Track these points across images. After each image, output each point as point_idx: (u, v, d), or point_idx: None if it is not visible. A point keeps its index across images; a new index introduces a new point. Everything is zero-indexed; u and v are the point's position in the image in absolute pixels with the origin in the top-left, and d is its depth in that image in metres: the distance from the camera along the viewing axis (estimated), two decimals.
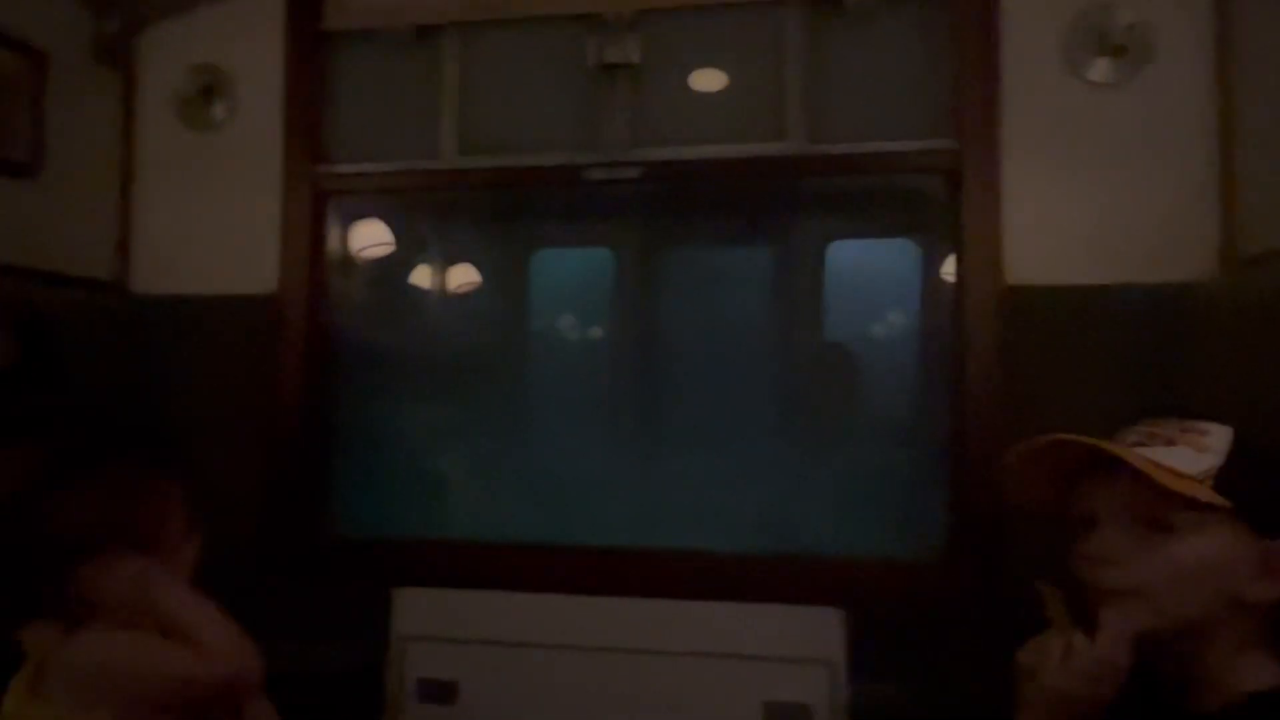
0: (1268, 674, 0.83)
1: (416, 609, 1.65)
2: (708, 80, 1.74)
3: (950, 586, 1.57)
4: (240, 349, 1.77)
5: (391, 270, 1.98)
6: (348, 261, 1.91)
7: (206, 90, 1.79)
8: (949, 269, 1.64)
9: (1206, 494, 0.82)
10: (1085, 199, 1.53)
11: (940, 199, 1.65)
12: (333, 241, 1.86)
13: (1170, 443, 0.88)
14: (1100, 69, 1.53)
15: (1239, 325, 1.34)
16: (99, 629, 0.95)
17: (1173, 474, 0.83)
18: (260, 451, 1.75)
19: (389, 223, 1.97)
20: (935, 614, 1.54)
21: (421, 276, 2.01)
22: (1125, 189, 1.52)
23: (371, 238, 1.97)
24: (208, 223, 1.80)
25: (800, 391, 1.85)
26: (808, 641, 1.53)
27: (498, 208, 1.95)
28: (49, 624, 0.96)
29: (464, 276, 2.01)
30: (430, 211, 1.97)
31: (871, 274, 1.83)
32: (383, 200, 1.94)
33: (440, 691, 1.64)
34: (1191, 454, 0.86)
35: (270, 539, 1.74)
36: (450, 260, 1.98)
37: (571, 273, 2.03)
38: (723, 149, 1.70)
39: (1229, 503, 0.82)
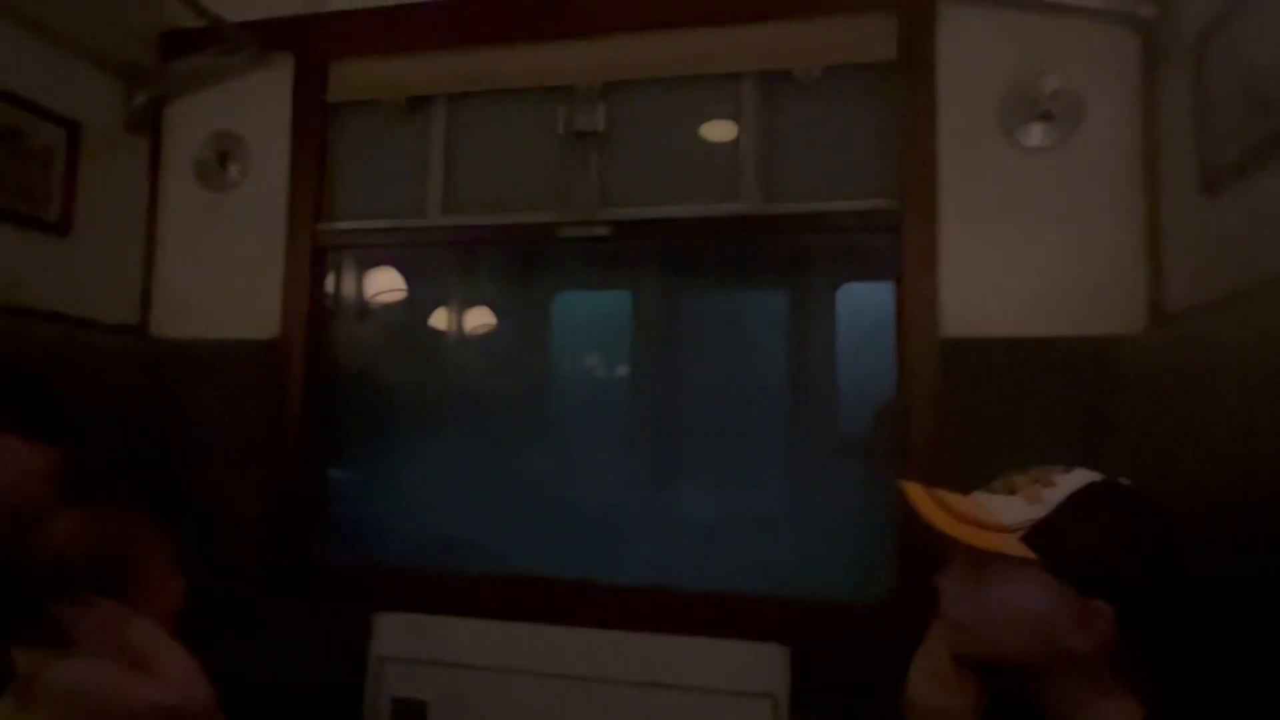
0: (1123, 718, 0.87)
1: (393, 632, 1.77)
2: (669, 145, 1.87)
3: (895, 627, 1.62)
4: (246, 389, 1.93)
5: (387, 315, 2.14)
6: (349, 308, 2.07)
7: (223, 155, 1.99)
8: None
9: (1011, 546, 0.87)
10: (1020, 256, 1.61)
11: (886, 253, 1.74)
12: (338, 289, 2.04)
13: (1012, 492, 0.93)
14: (1032, 133, 1.62)
15: (1165, 377, 1.40)
16: (79, 654, 1.08)
17: (975, 528, 0.89)
18: (263, 482, 1.90)
19: (391, 272, 2.13)
20: (880, 654, 1.59)
21: (413, 321, 2.16)
22: (1058, 246, 1.59)
23: (374, 286, 2.13)
24: (220, 273, 1.97)
25: (755, 434, 1.93)
26: (753, 676, 1.61)
27: (483, 260, 2.09)
28: (37, 645, 1.09)
29: (452, 320, 2.15)
30: (424, 263, 2.12)
31: (828, 322, 1.91)
32: (385, 252, 2.10)
33: (411, 712, 1.75)
34: (1021, 505, 0.90)
35: (268, 564, 1.88)
36: (438, 305, 2.13)
37: (550, 318, 2.17)
38: (683, 208, 1.82)
39: (1032, 555, 0.87)
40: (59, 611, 1.08)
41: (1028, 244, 1.61)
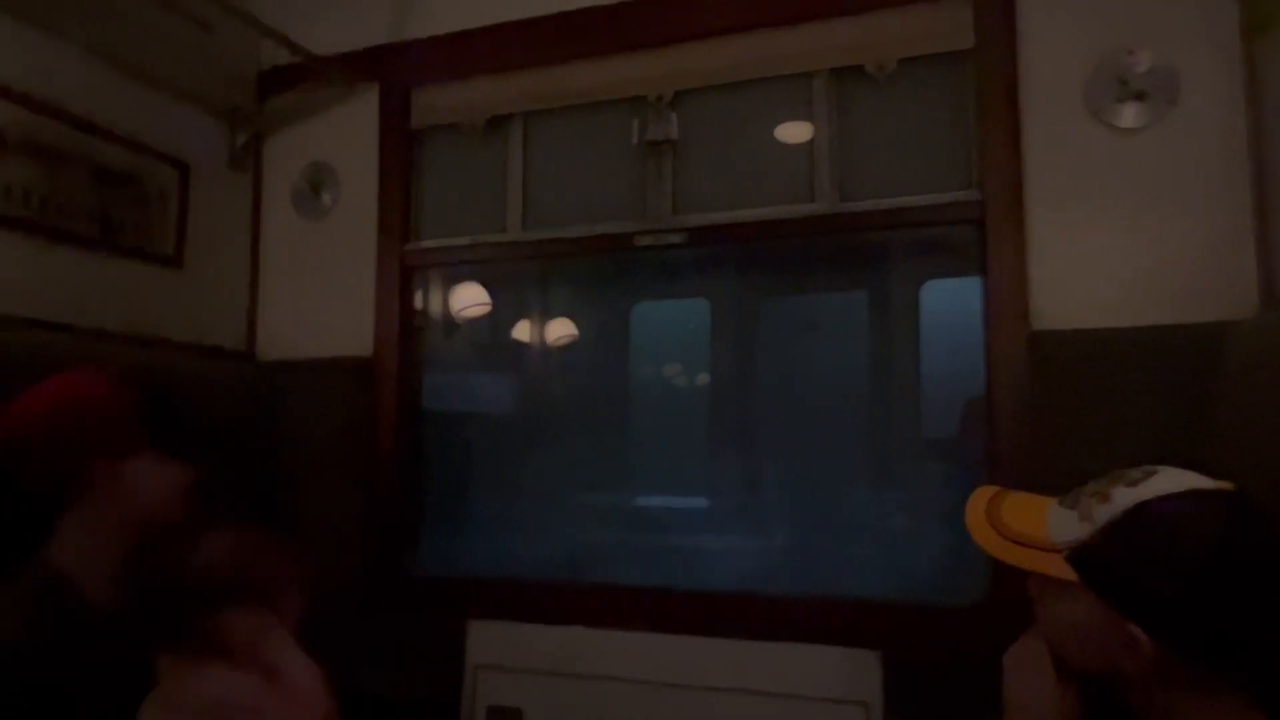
0: None
1: (488, 640, 1.82)
2: (743, 149, 1.87)
3: (991, 631, 1.57)
4: (343, 406, 2.02)
5: (473, 330, 2.21)
6: (436, 324, 2.15)
7: (316, 184, 2.10)
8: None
9: (1054, 567, 0.85)
10: (1114, 242, 1.53)
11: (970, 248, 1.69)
12: (426, 306, 2.11)
13: (1074, 505, 0.90)
14: (1125, 114, 1.54)
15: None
16: (218, 665, 1.17)
17: (1022, 548, 0.88)
18: (360, 495, 1.99)
19: (476, 288, 2.20)
20: (975, 658, 1.54)
21: (497, 334, 2.23)
22: (1156, 231, 1.51)
23: (460, 302, 2.21)
24: (317, 296, 2.08)
25: (840, 437, 1.90)
26: (845, 682, 1.58)
27: (563, 272, 2.14)
28: (182, 654, 1.19)
29: (534, 332, 2.21)
30: (506, 277, 2.18)
31: (911, 320, 1.87)
32: (469, 268, 2.17)
33: (507, 718, 1.80)
34: (1074, 521, 0.87)
35: (365, 575, 1.96)
36: (521, 317, 2.19)
37: (630, 331, 2.20)
38: (759, 211, 1.81)
39: (1073, 577, 0.84)
40: (206, 622, 1.17)
41: (1122, 230, 1.53)
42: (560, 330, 2.17)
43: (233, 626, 1.19)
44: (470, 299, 2.20)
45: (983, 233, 1.62)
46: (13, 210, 1.58)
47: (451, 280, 2.16)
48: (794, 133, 1.84)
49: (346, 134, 2.08)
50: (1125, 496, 0.85)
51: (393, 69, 2.04)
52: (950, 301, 1.93)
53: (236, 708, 1.15)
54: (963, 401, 1.79)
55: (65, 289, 1.67)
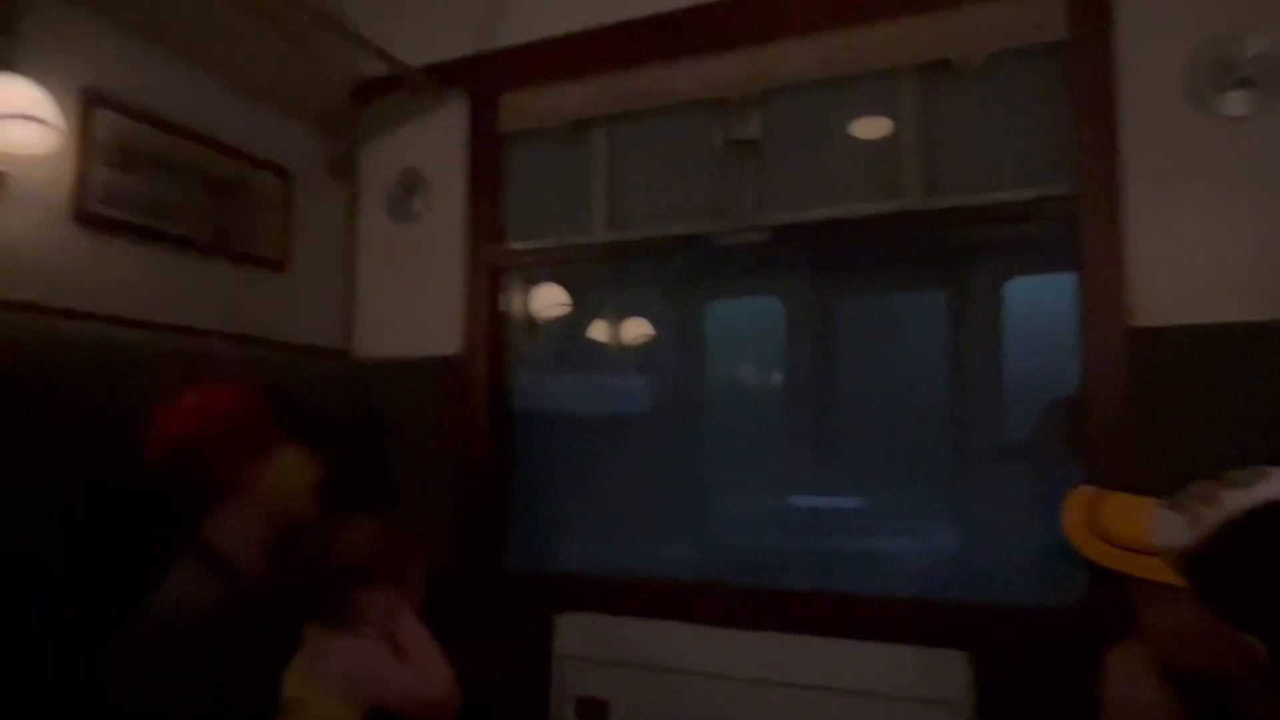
0: None
1: (576, 633, 1.86)
2: (826, 147, 1.87)
3: (1086, 632, 1.54)
4: (434, 402, 2.10)
5: (556, 329, 2.26)
6: (522, 323, 2.21)
7: (409, 189, 2.18)
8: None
9: (1156, 572, 0.84)
10: (1218, 236, 1.48)
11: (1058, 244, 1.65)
12: (512, 306, 2.17)
13: (1180, 508, 0.87)
14: (1231, 102, 1.49)
15: None
16: (357, 638, 1.27)
17: (1122, 551, 0.86)
18: (453, 489, 2.05)
19: (558, 288, 2.25)
20: (1069, 660, 1.51)
21: (579, 333, 2.27)
22: (1263, 223, 1.46)
23: (544, 302, 2.26)
24: (409, 297, 2.16)
25: (926, 435, 1.88)
26: (931, 682, 1.57)
27: (644, 273, 2.17)
28: (326, 626, 1.30)
29: (614, 331, 2.25)
30: (589, 277, 2.22)
31: (995, 317, 1.84)
32: (553, 269, 2.22)
33: (594, 710, 1.84)
34: (1180, 525, 0.85)
35: (459, 568, 2.02)
36: (601, 317, 2.22)
37: (720, 327, 2.21)
38: (842, 209, 1.81)
39: (1178, 583, 0.82)
40: (349, 600, 1.28)
41: (1226, 222, 1.48)
42: (640, 329, 2.20)
43: (368, 604, 1.30)
44: (553, 299, 2.25)
45: (1077, 227, 1.58)
46: (135, 219, 1.69)
47: (536, 281, 2.22)
48: (879, 129, 1.83)
49: (437, 140, 2.15)
50: (1235, 499, 0.82)
51: (481, 77, 2.10)
52: (1034, 299, 1.90)
53: (373, 676, 1.26)
54: (1047, 400, 1.75)
55: (181, 291, 1.78)
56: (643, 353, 2.25)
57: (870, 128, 1.84)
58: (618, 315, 2.22)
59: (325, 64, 2.14)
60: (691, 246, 1.95)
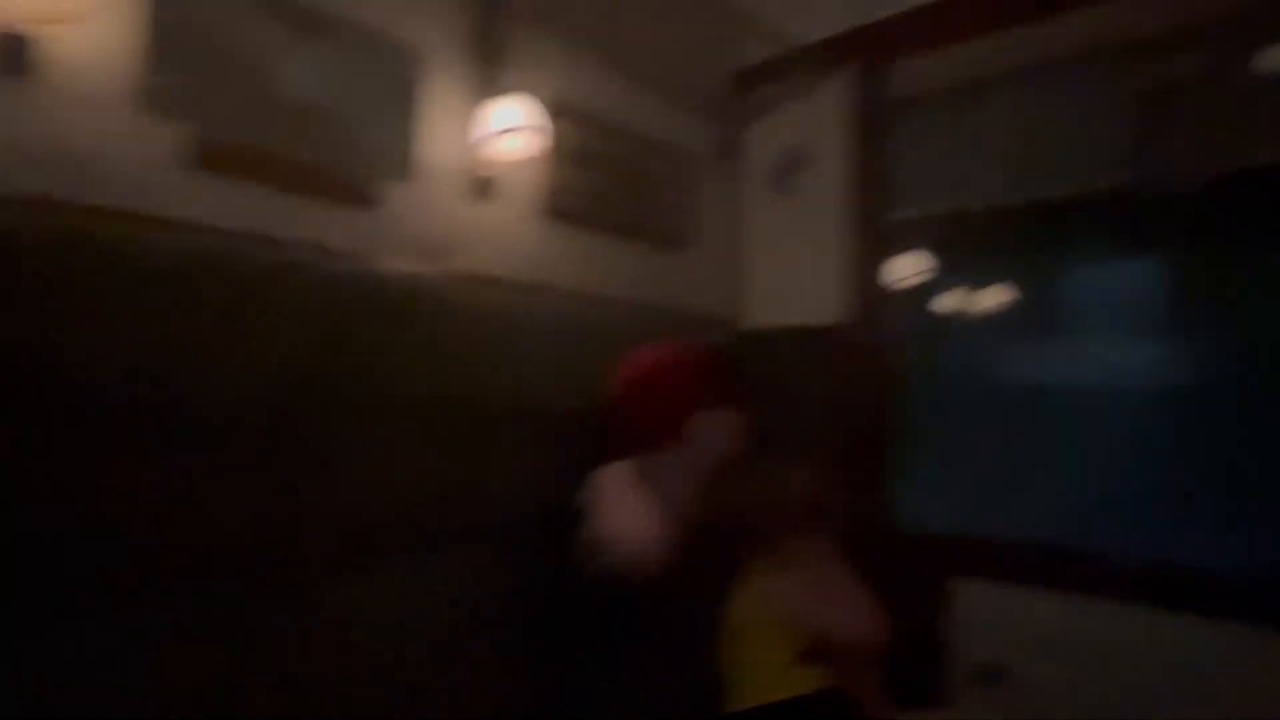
0: None
1: (975, 600, 1.87)
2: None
3: None
4: (823, 367, 2.18)
5: (940, 296, 2.25)
6: (908, 291, 2.22)
7: (794, 164, 2.28)
8: None
9: None
10: None
11: None
12: (900, 275, 2.19)
13: None
14: None
15: None
16: (793, 575, 1.43)
17: None
18: (841, 451, 2.12)
19: (946, 254, 2.22)
20: None
21: (964, 301, 2.23)
22: None
23: (927, 269, 2.25)
24: (797, 269, 2.26)
25: None
26: None
27: (1033, 238, 2.07)
28: (769, 564, 1.47)
29: (1003, 297, 2.17)
30: (978, 243, 2.17)
31: None
32: (942, 236, 2.20)
33: (991, 677, 1.83)
34: None
35: (850, 531, 2.09)
36: (988, 284, 2.16)
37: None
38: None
39: None
40: (780, 540, 1.45)
41: None
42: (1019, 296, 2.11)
43: (801, 546, 1.44)
44: (937, 266, 2.23)
45: None
46: (581, 209, 1.97)
47: (924, 249, 2.21)
48: None
49: (820, 114, 2.22)
50: None
51: (867, 46, 2.12)
52: None
53: (810, 609, 1.40)
54: None
55: (600, 268, 2.03)
56: (1032, 319, 2.15)
57: None
58: (1006, 281, 2.14)
59: (715, 51, 2.30)
60: (1105, 204, 1.83)
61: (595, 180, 2.02)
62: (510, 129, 1.69)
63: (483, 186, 1.75)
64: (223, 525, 1.29)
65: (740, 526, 1.51)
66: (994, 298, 2.19)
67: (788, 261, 2.29)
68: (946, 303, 2.25)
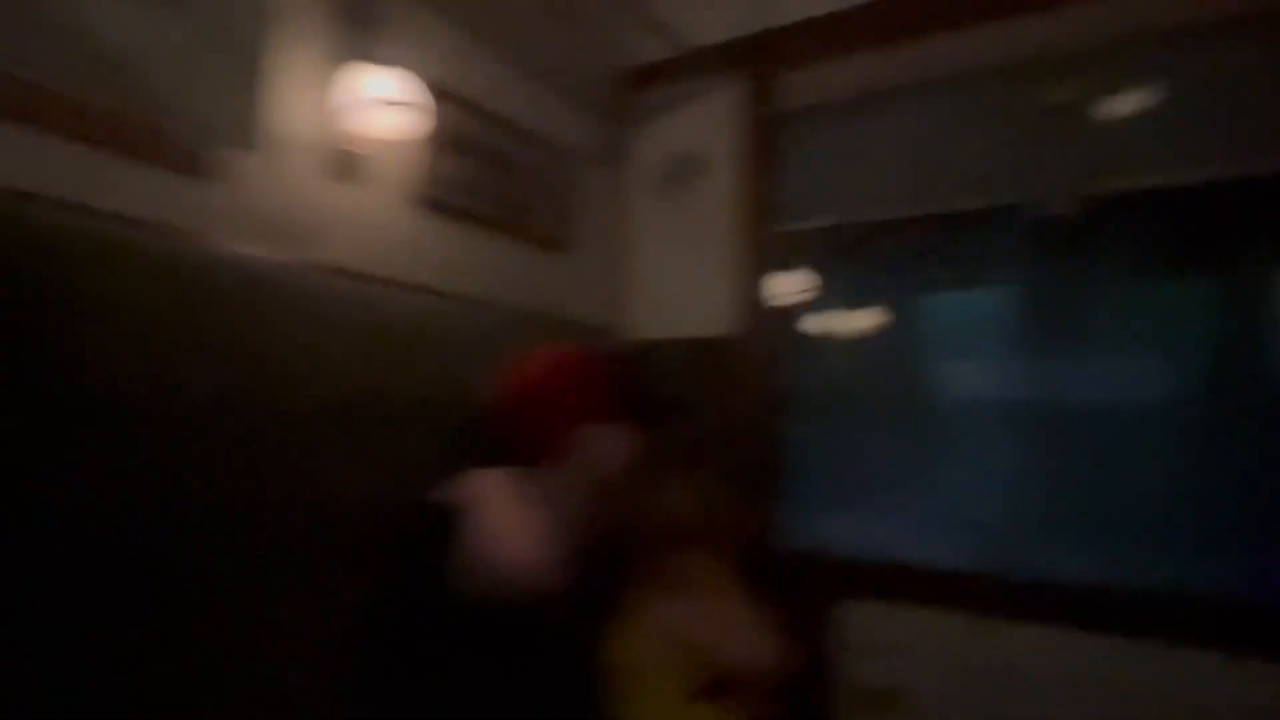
0: None
1: (858, 620, 1.82)
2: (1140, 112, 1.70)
3: None
4: (703, 384, 2.09)
5: (825, 312, 2.21)
6: (791, 307, 2.17)
7: (681, 171, 2.19)
8: None
9: None
10: None
11: None
12: (783, 288, 2.13)
13: None
14: None
15: None
16: (678, 600, 1.29)
17: None
18: (724, 470, 2.03)
19: (832, 270, 2.19)
20: None
21: (848, 317, 2.20)
22: None
23: (811, 284, 2.21)
24: (681, 280, 2.17)
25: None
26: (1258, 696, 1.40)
27: (916, 252, 2.06)
28: (647, 586, 1.33)
29: (880, 317, 2.16)
30: (863, 257, 2.15)
31: None
32: (829, 250, 2.16)
33: (878, 698, 1.78)
34: None
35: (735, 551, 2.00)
36: (873, 301, 2.14)
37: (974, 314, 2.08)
38: (1158, 178, 1.64)
39: None
40: (665, 561, 1.30)
41: None
42: (888, 315, 2.11)
43: (687, 566, 1.31)
44: (822, 282, 2.19)
45: None
46: (457, 201, 1.79)
47: (810, 263, 2.17)
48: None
49: (711, 121, 2.15)
50: None
51: (760, 55, 2.08)
52: None
53: (710, 641, 1.26)
54: None
55: (480, 268, 1.86)
56: (905, 334, 2.15)
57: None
58: (893, 297, 2.13)
59: (605, 49, 2.19)
60: (995, 222, 1.84)
61: (473, 171, 1.84)
62: (384, 101, 1.50)
63: (346, 164, 1.54)
64: None
65: (626, 545, 1.36)
66: (882, 313, 2.17)
67: (673, 271, 2.20)
68: (835, 317, 2.21)
